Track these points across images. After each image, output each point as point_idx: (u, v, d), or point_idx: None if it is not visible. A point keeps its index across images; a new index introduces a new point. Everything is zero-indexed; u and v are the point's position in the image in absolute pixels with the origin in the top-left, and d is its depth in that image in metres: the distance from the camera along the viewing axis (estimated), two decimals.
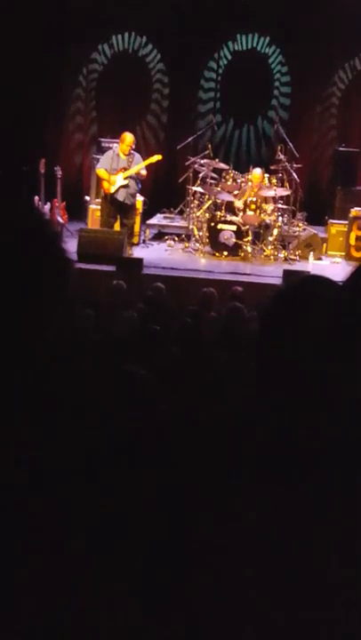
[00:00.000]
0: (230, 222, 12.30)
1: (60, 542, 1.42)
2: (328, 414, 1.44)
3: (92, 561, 1.44)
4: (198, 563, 1.44)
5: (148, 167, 12.07)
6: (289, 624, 1.39)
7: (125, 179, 11.78)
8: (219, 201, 12.70)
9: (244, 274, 11.42)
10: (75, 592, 1.42)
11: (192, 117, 15.12)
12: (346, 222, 13.12)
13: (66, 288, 1.52)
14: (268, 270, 11.66)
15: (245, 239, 12.32)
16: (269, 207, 12.59)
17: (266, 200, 12.66)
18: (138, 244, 12.87)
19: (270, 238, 12.55)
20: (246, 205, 12.48)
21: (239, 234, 12.27)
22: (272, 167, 13.27)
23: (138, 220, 12.97)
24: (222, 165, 13.18)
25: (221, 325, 7.59)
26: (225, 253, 12.30)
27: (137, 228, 12.97)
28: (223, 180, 12.98)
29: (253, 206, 12.46)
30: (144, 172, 11.96)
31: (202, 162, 13.21)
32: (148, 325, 7.01)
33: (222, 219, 12.36)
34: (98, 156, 12.86)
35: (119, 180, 11.78)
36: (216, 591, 1.42)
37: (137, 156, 11.98)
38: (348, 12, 14.08)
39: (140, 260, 11.31)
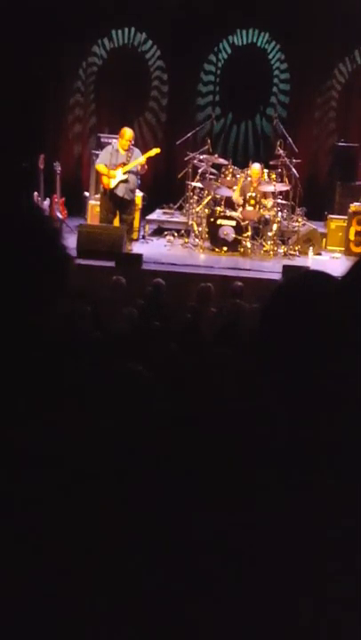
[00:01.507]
0: (230, 218, 12.29)
1: (60, 542, 1.42)
2: (329, 412, 1.44)
3: (92, 561, 1.43)
4: (198, 563, 1.44)
5: (147, 162, 12.04)
6: (289, 624, 1.39)
7: (125, 174, 11.76)
8: (218, 196, 12.68)
9: (244, 269, 11.42)
10: (75, 592, 1.42)
11: (191, 113, 15.10)
12: (345, 217, 13.12)
13: (65, 284, 1.51)
14: (268, 266, 11.67)
15: (245, 234, 12.31)
16: (269, 202, 12.57)
17: (265, 195, 12.65)
18: (137, 240, 12.86)
19: (270, 234, 12.54)
20: (246, 201, 12.47)
21: (239, 229, 12.26)
22: (271, 162, 13.24)
23: (137, 215, 12.96)
24: (222, 161, 13.16)
25: (221, 324, 7.59)
26: (224, 249, 12.29)
27: (136, 223, 12.96)
28: (222, 176, 12.97)
29: (253, 201, 12.44)
30: (145, 165, 11.92)
31: (201, 157, 13.18)
32: (147, 321, 7.01)
33: (222, 214, 12.35)
34: (97, 152, 12.84)
35: (119, 175, 11.76)
36: (216, 591, 1.42)
37: (136, 151, 11.95)
38: (348, 9, 14.06)
39: (139, 256, 11.31)
